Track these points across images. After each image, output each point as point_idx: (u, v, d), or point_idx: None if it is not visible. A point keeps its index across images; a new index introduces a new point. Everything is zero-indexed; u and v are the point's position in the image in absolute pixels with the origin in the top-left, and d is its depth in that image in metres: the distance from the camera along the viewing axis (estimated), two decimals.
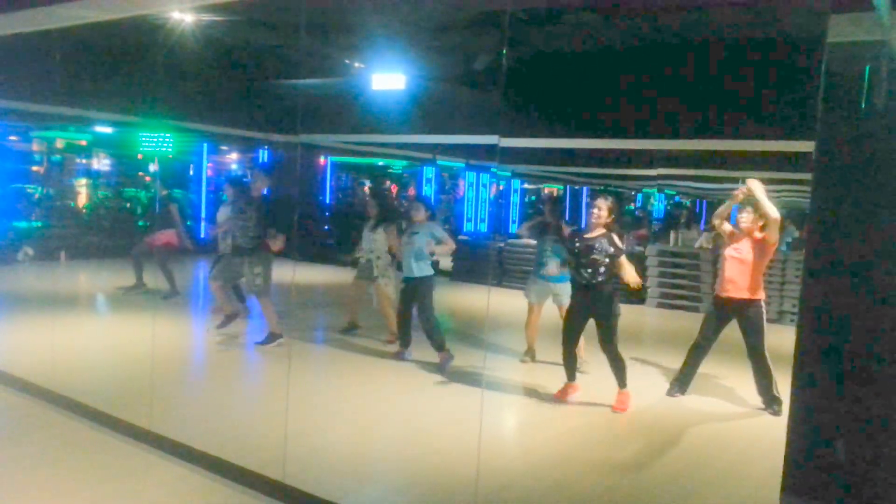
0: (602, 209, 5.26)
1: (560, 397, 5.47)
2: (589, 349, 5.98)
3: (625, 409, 5.27)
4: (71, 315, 7.96)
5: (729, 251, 5.45)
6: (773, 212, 5.21)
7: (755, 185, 5.22)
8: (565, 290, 5.97)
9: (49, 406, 4.75)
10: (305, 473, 3.81)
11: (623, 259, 5.26)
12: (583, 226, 5.92)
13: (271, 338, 6.59)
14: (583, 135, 10.42)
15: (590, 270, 5.18)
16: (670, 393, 5.73)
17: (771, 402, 5.38)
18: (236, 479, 3.78)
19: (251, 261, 6.53)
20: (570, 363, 5.46)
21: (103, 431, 4.36)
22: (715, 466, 4.50)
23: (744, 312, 5.39)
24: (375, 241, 6.98)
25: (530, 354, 6.65)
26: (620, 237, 5.33)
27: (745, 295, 5.35)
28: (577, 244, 5.27)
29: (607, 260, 5.16)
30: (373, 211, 7.16)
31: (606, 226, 5.25)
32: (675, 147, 11.44)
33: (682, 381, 5.71)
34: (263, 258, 6.56)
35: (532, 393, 5.73)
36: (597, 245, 5.17)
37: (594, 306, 5.25)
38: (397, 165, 19.73)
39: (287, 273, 11.43)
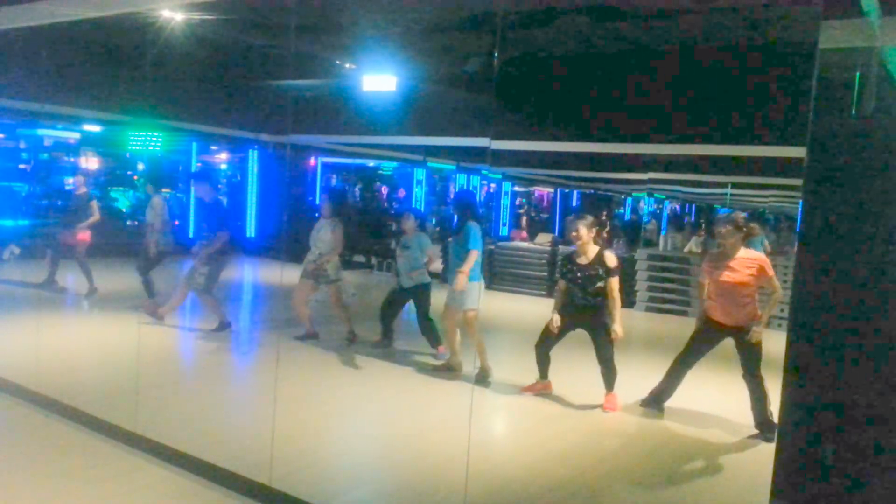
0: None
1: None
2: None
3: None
4: (56, 315, 7.87)
5: None
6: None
7: None
8: (469, 295, 5.72)
9: (34, 408, 4.69)
10: (292, 477, 3.78)
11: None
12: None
13: (222, 326, 6.96)
14: (573, 138, 10.44)
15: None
16: None
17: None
18: (223, 483, 3.74)
19: (200, 260, 6.80)
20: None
21: (89, 433, 4.31)
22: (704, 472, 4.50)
23: None
24: (325, 242, 6.63)
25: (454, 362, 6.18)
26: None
27: None
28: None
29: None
30: (327, 210, 6.77)
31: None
32: (666, 151, 11.48)
33: None
34: (213, 259, 6.79)
35: (523, 395, 5.72)
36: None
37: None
38: (388, 167, 19.67)
39: (275, 275, 11.37)
